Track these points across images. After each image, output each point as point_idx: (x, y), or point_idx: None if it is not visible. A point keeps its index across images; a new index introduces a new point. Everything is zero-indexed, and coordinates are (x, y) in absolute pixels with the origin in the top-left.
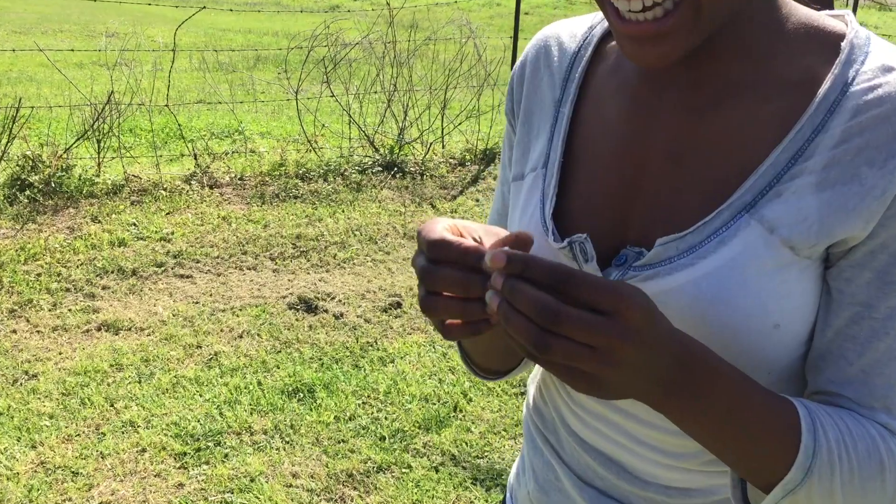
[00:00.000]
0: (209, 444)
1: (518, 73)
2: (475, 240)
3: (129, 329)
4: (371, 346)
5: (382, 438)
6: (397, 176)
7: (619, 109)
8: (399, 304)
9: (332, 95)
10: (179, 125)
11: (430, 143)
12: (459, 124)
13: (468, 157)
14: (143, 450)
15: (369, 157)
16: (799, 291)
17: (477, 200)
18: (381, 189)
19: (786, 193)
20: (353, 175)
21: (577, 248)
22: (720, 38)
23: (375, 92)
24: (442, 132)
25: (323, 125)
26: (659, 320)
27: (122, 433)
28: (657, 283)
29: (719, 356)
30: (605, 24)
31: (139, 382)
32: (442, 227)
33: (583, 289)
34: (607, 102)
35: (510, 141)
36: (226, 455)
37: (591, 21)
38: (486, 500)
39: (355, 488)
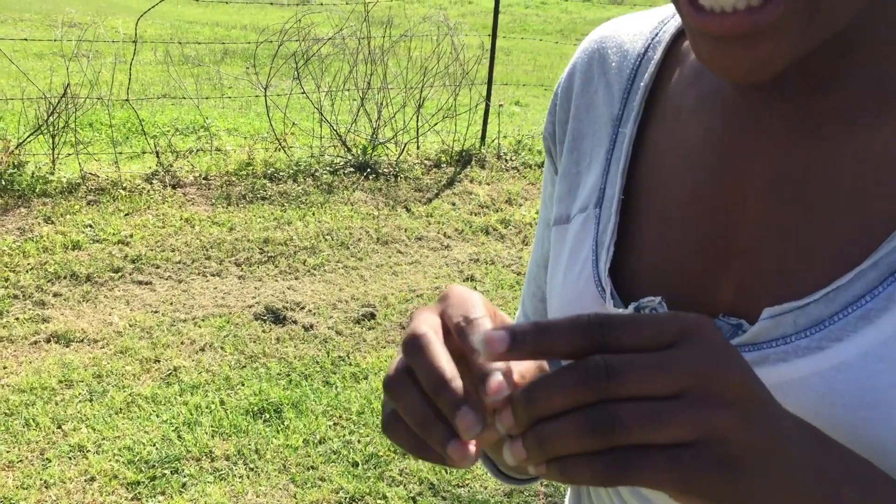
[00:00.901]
0: (165, 471)
1: (565, 84)
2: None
3: (81, 341)
4: (343, 360)
5: (355, 464)
6: (370, 177)
7: (703, 129)
8: (373, 315)
9: (303, 92)
10: (141, 120)
11: (405, 144)
12: (435, 125)
13: (444, 159)
14: (92, 478)
15: (341, 157)
16: None
17: (453, 204)
18: (354, 191)
19: None
20: (325, 176)
21: None
22: (845, 39)
23: (348, 89)
24: (417, 132)
25: (293, 123)
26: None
27: (70, 459)
28: (764, 373)
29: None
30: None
31: (90, 401)
32: (432, 317)
33: (625, 326)
34: (686, 120)
35: (552, 174)
36: (183, 484)
37: (662, 15)
38: None
39: None
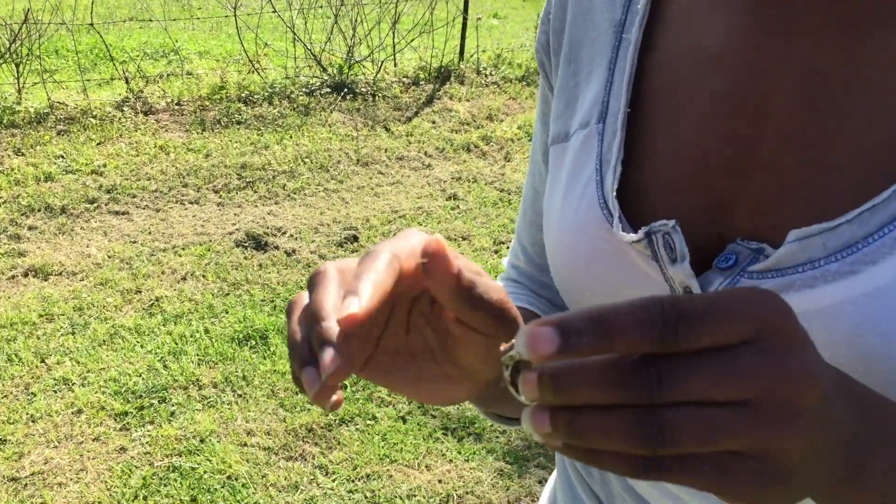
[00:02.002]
0: (153, 401)
1: None
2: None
3: (60, 274)
4: None
5: (343, 387)
6: (347, 97)
7: (722, 30)
8: (356, 238)
9: (275, 11)
10: (108, 46)
11: (382, 62)
12: (412, 41)
13: (422, 76)
14: (79, 411)
15: (317, 77)
16: None
17: (433, 122)
18: (331, 112)
19: None
20: (301, 98)
21: (660, 242)
22: None
23: (321, 6)
24: (394, 49)
25: (265, 44)
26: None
27: (55, 392)
28: (791, 300)
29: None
30: None
31: (72, 334)
32: (346, 263)
33: (699, 319)
34: (701, 22)
35: (546, 91)
36: (172, 413)
37: None
38: (459, 452)
39: (316, 444)
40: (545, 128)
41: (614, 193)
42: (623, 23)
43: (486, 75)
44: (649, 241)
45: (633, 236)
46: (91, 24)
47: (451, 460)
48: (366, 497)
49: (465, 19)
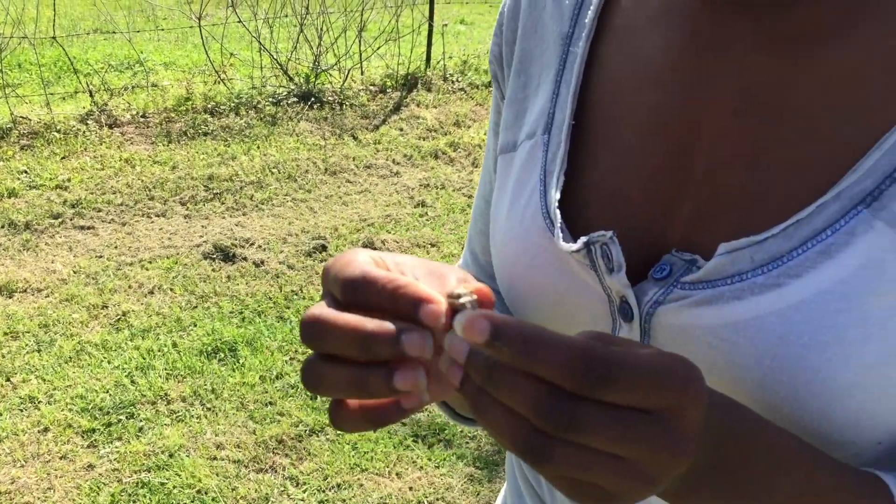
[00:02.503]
0: (121, 417)
1: (512, 4)
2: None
3: (25, 291)
4: (296, 294)
5: (314, 397)
6: (315, 106)
7: (661, 47)
8: (324, 247)
9: (240, 21)
10: (71, 59)
11: (349, 70)
12: (378, 48)
13: (389, 84)
14: (46, 429)
15: (283, 87)
16: None
17: (401, 129)
18: (298, 121)
19: None
20: (267, 107)
21: (598, 253)
22: None
23: (286, 16)
24: (360, 57)
25: (231, 54)
26: (712, 405)
27: (21, 411)
28: (719, 311)
29: (768, 423)
30: None
31: (38, 351)
32: (364, 261)
33: (620, 381)
34: (643, 37)
35: (498, 100)
36: (140, 429)
37: None
38: (429, 458)
39: (287, 455)
40: (497, 138)
41: (556, 204)
42: (571, 36)
43: (452, 82)
44: (588, 251)
45: (572, 246)
46: (54, 38)
47: (421, 467)
48: None
49: (430, 26)
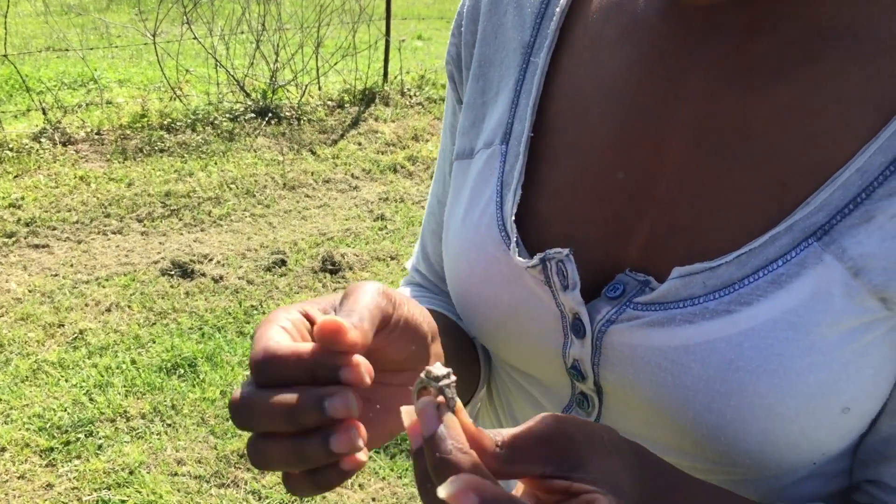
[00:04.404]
0: (79, 435)
1: (471, 4)
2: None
3: None
4: (255, 309)
5: None
6: (272, 122)
7: (625, 65)
8: (283, 262)
9: (195, 37)
10: (23, 77)
11: (306, 86)
12: (335, 64)
13: (347, 99)
14: (3, 449)
15: (240, 103)
16: (880, 359)
17: (359, 144)
18: (256, 137)
19: (880, 217)
20: (224, 123)
21: (553, 269)
22: None
23: (242, 32)
24: (317, 73)
25: (187, 70)
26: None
27: None
28: (671, 334)
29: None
30: None
31: None
32: (276, 328)
33: None
34: (605, 53)
35: (454, 102)
36: (99, 446)
37: None
38: (392, 469)
39: (249, 470)
40: (452, 139)
41: (513, 217)
42: (532, 45)
43: (410, 96)
44: (543, 266)
45: (528, 262)
46: (5, 56)
47: (383, 478)
48: None
49: (387, 41)
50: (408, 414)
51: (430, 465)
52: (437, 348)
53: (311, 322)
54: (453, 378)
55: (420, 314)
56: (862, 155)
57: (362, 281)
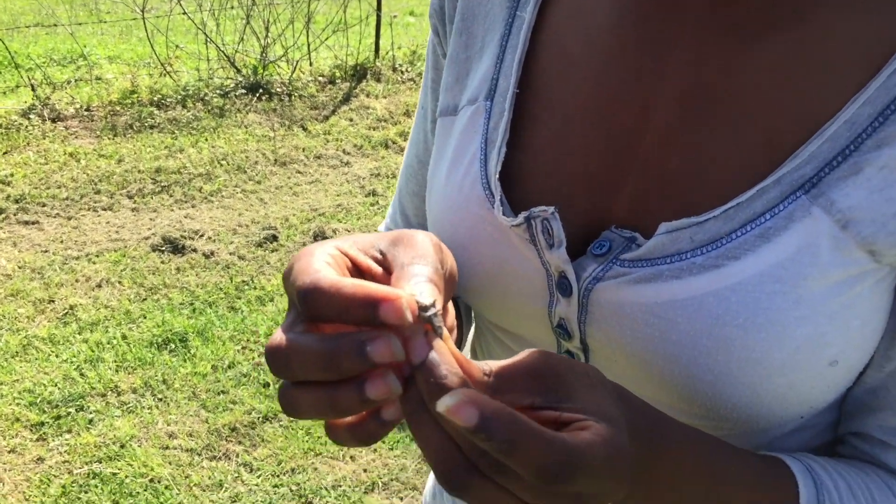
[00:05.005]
0: (70, 409)
1: None
2: (377, 260)
3: None
4: (247, 284)
5: (266, 385)
6: (263, 98)
7: (611, 23)
8: (275, 237)
9: (185, 13)
10: (12, 53)
11: (297, 61)
12: (326, 39)
13: (338, 74)
14: None
15: (231, 79)
16: (868, 311)
17: (350, 120)
18: (247, 113)
19: (869, 168)
20: (215, 99)
21: (538, 227)
22: None
23: (232, 7)
24: (308, 48)
25: (177, 46)
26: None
27: None
28: (658, 289)
29: (683, 435)
30: None
31: None
32: (317, 266)
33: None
34: (594, 10)
35: (436, 57)
36: (90, 420)
37: None
38: (383, 441)
39: (240, 442)
40: (434, 96)
41: (497, 175)
42: None
43: (402, 72)
44: (528, 225)
45: (512, 220)
46: None
47: (375, 450)
48: (291, 490)
49: (378, 16)
50: (445, 406)
51: (425, 391)
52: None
53: (349, 257)
54: (439, 307)
55: (451, 254)
56: (850, 107)
57: (411, 230)
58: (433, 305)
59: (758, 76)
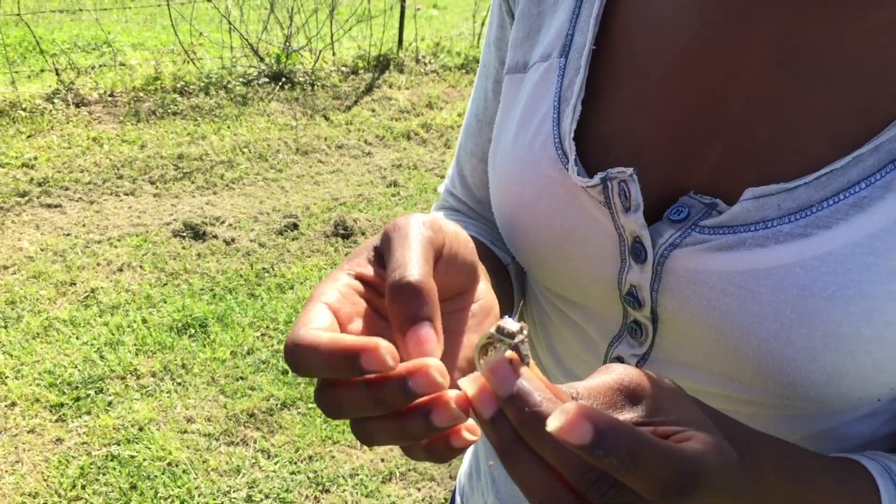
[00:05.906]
0: (89, 391)
1: None
2: (380, 262)
3: None
4: (267, 272)
5: (285, 372)
6: (286, 87)
7: None
8: (296, 226)
9: (209, 0)
10: (37, 38)
11: (320, 51)
12: (350, 29)
13: (361, 65)
14: (13, 403)
15: (254, 67)
16: None
17: (373, 111)
18: (269, 102)
19: None
20: (238, 87)
21: (615, 190)
22: None
23: None
24: (332, 38)
25: (201, 34)
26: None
27: None
28: (740, 258)
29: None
30: None
31: (5, 328)
32: (317, 310)
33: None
34: None
35: (501, 13)
36: (109, 403)
37: None
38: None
39: (258, 429)
40: (499, 54)
41: (572, 135)
42: None
43: (425, 63)
44: (604, 187)
45: (588, 181)
46: (19, 16)
47: None
48: (308, 478)
49: (402, 7)
50: (472, 381)
51: (520, 422)
52: (482, 270)
53: (363, 279)
54: (526, 332)
55: (464, 237)
56: None
57: (403, 217)
58: (520, 332)
59: (857, 39)
